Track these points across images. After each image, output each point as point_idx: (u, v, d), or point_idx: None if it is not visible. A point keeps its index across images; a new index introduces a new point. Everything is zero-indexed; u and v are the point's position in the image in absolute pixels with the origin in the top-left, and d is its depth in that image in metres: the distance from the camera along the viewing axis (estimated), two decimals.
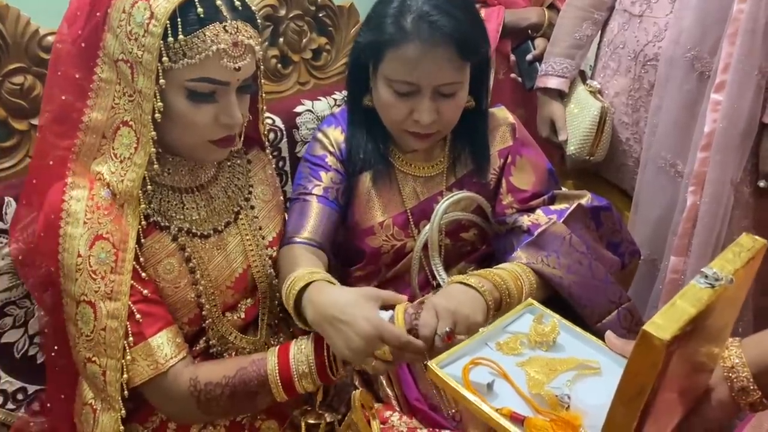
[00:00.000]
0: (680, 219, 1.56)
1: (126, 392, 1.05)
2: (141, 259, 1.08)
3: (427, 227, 1.33)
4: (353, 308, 1.03)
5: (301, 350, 1.08)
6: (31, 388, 1.22)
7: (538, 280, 1.24)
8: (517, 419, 0.90)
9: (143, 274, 1.07)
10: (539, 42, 1.87)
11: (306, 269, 1.16)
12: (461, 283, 1.16)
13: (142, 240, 1.08)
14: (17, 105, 1.20)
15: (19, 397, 1.21)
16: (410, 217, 1.38)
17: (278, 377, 1.06)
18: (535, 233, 1.29)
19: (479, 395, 0.94)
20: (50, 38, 1.19)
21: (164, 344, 1.06)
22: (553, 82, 1.77)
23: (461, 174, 1.40)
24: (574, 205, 1.34)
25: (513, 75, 1.94)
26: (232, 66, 1.02)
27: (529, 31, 1.90)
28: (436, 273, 1.33)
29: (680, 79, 1.54)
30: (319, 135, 1.42)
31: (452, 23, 1.20)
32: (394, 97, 1.26)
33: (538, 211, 1.35)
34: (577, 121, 1.73)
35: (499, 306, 1.16)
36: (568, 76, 1.76)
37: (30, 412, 1.21)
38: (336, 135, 1.40)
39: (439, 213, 1.32)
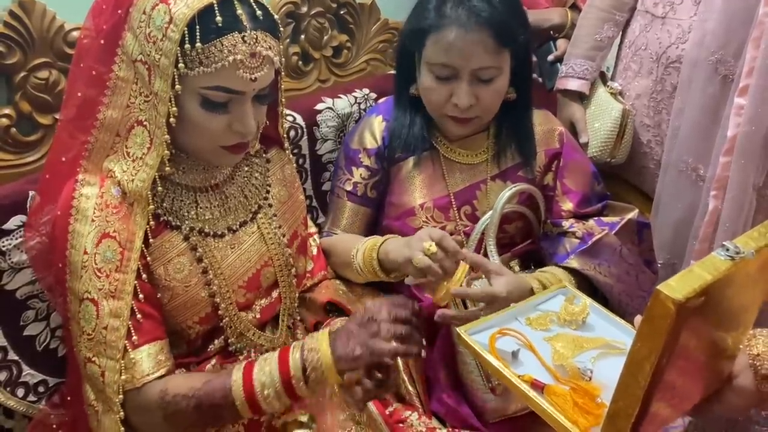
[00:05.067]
0: (701, 223, 1.54)
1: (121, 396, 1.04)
2: (148, 258, 1.07)
3: (489, 213, 1.38)
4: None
5: (263, 370, 1.03)
6: (52, 381, 1.24)
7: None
8: (537, 386, 0.94)
9: (144, 276, 1.07)
10: (561, 43, 1.86)
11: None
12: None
13: (151, 240, 1.07)
14: (42, 99, 1.22)
15: (41, 389, 1.23)
16: (453, 201, 1.43)
17: (243, 396, 1.02)
18: (590, 242, 1.38)
19: (503, 361, 0.97)
20: (75, 33, 1.20)
21: (144, 360, 1.05)
22: (573, 84, 1.75)
23: (506, 166, 1.47)
24: (625, 220, 1.44)
25: (534, 75, 1.93)
26: (248, 77, 1.01)
27: (551, 32, 1.88)
28: (490, 256, 1.37)
29: (703, 82, 1.52)
30: (361, 126, 1.50)
31: (489, 9, 1.28)
32: (435, 81, 1.34)
33: (591, 221, 1.44)
34: (598, 123, 1.71)
35: None
36: (589, 77, 1.74)
37: (51, 405, 1.22)
38: (377, 123, 1.48)
39: (504, 200, 1.36)
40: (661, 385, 0.73)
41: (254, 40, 1.00)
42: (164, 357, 1.08)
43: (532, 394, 0.92)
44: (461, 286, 1.18)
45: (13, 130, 1.20)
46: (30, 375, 1.21)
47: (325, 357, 1.00)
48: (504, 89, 1.37)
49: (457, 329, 1.04)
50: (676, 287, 0.66)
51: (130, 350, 1.04)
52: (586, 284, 1.38)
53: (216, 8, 0.97)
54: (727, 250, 0.72)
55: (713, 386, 0.88)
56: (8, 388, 1.19)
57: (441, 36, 1.29)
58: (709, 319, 0.75)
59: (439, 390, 1.30)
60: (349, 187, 1.46)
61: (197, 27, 0.97)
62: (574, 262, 1.36)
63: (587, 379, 0.96)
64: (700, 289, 0.67)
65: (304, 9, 1.62)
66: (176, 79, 0.99)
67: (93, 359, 1.05)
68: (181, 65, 0.98)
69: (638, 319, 0.97)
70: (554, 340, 1.04)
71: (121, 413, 1.04)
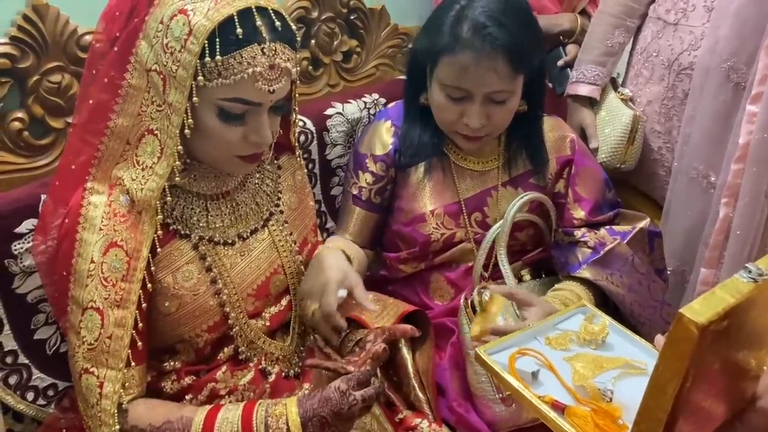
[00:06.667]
0: (711, 231, 1.54)
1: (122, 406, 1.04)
2: (152, 267, 1.06)
3: (499, 223, 1.37)
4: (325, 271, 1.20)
5: (227, 420, 1.02)
6: (62, 385, 1.24)
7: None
8: (558, 407, 0.93)
9: (149, 285, 1.06)
10: (571, 48, 1.85)
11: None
12: None
13: (159, 249, 1.07)
14: (54, 103, 1.22)
15: (50, 393, 1.23)
16: (464, 208, 1.44)
17: None
18: (602, 252, 1.37)
19: (523, 382, 0.97)
20: (88, 37, 1.20)
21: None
22: (584, 90, 1.75)
23: (516, 173, 1.47)
24: (637, 229, 1.43)
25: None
26: (267, 89, 1.00)
27: (561, 37, 1.88)
28: (501, 265, 1.36)
29: (715, 89, 1.52)
30: (370, 131, 1.50)
31: (505, 35, 1.25)
32: (447, 100, 1.33)
33: (603, 231, 1.43)
34: (608, 128, 1.71)
35: None
36: (600, 83, 1.74)
37: (60, 409, 1.22)
38: (386, 129, 1.48)
39: (515, 209, 1.35)
40: (683, 408, 0.72)
41: (273, 52, 0.99)
42: (131, 383, 1.06)
43: (552, 415, 0.91)
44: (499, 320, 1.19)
45: (26, 133, 1.20)
46: (40, 379, 1.21)
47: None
48: (515, 107, 1.37)
49: (477, 350, 1.03)
50: (699, 310, 0.65)
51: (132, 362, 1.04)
52: (598, 294, 1.37)
53: (236, 20, 0.96)
54: (750, 272, 0.71)
55: (736, 407, 0.87)
56: (18, 392, 1.19)
57: (455, 59, 1.27)
58: (732, 341, 0.74)
59: (449, 398, 1.29)
60: (355, 191, 1.47)
61: (217, 39, 0.95)
62: (586, 273, 1.36)
63: (608, 400, 0.95)
64: (723, 312, 0.66)
65: (315, 14, 1.62)
66: (194, 91, 0.98)
67: (91, 370, 1.03)
68: (200, 78, 0.97)
69: (659, 339, 0.97)
70: (574, 360, 1.03)
71: (117, 426, 1.02)
